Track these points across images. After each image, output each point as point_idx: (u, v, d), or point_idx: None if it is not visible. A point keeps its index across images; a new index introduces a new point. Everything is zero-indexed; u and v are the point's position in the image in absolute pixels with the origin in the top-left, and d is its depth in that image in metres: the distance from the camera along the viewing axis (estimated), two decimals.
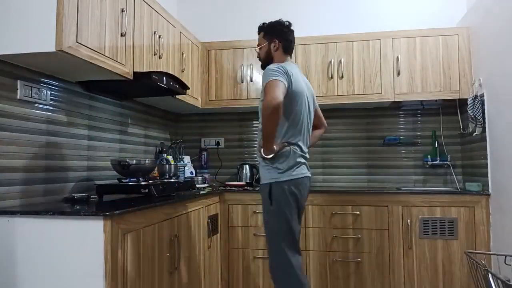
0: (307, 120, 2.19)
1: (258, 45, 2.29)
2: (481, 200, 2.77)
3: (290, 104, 2.05)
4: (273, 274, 2.10)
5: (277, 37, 2.21)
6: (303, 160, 2.13)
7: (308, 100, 2.20)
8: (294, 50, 2.32)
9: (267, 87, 1.96)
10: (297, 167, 2.09)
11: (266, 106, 1.89)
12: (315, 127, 2.39)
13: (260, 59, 2.30)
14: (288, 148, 2.07)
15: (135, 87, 2.52)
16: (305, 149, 2.17)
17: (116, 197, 2.24)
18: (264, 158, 2.05)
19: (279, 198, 2.04)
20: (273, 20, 2.26)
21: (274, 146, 2.02)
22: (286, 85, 1.99)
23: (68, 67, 2.01)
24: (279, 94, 1.91)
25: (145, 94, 2.81)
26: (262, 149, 2.04)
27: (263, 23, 2.28)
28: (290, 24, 2.26)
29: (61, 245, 1.64)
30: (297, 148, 2.11)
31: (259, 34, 2.29)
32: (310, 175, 2.19)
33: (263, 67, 2.21)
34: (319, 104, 3.30)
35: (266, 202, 2.08)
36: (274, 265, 2.08)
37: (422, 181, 3.41)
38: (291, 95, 2.04)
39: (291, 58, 2.30)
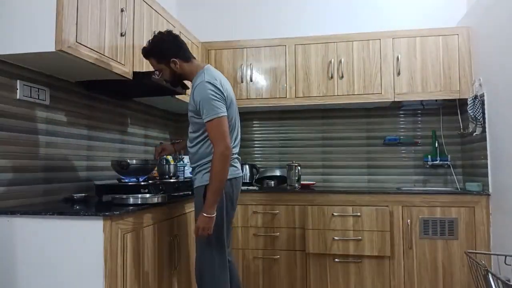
0: (238, 123, 2.17)
1: (156, 70, 2.11)
2: (481, 200, 2.77)
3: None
4: (201, 273, 2.05)
5: (172, 56, 2.02)
6: (237, 162, 2.13)
7: (236, 102, 2.16)
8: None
9: (214, 128, 1.90)
10: (232, 168, 2.06)
11: (221, 157, 1.88)
12: None
13: (167, 82, 2.17)
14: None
15: (135, 87, 2.52)
16: (237, 150, 2.15)
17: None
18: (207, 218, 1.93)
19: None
20: (151, 42, 2.05)
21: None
22: (226, 112, 1.95)
23: (67, 67, 2.01)
24: (229, 139, 1.92)
25: (145, 94, 2.81)
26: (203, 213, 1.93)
27: (144, 48, 2.07)
28: (169, 31, 2.09)
29: (61, 245, 1.63)
30: (234, 156, 2.08)
31: (148, 59, 2.09)
32: (241, 174, 2.18)
33: (175, 85, 2.20)
34: (319, 104, 3.33)
35: (200, 202, 2.02)
36: (203, 264, 2.04)
37: (422, 181, 3.41)
38: (228, 101, 2.02)
39: (195, 58, 2.15)
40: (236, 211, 2.25)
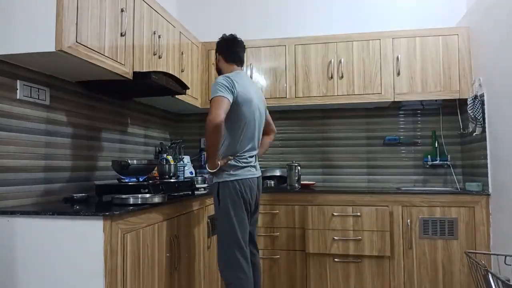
0: (258, 125, 2.33)
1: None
2: (481, 200, 2.77)
3: (237, 111, 2.18)
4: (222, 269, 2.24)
5: (219, 52, 2.44)
6: (251, 164, 2.27)
7: (258, 106, 2.32)
8: (244, 59, 2.47)
9: (211, 103, 2.11)
10: (243, 169, 2.22)
11: (208, 124, 2.04)
12: (264, 133, 2.51)
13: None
14: (232, 160, 2.21)
15: (135, 87, 2.52)
16: (253, 153, 2.30)
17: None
18: (209, 172, 2.22)
19: (226, 197, 2.18)
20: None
21: (218, 162, 2.17)
22: (231, 100, 2.13)
23: (67, 67, 2.01)
24: (221, 112, 2.06)
25: (145, 94, 2.81)
26: (206, 164, 2.22)
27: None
28: (232, 36, 2.45)
29: (61, 245, 1.64)
30: (244, 156, 2.24)
31: None
32: (257, 176, 2.32)
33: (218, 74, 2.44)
34: (319, 104, 3.33)
35: (215, 201, 2.23)
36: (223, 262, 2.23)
37: (422, 181, 3.41)
38: (238, 102, 2.18)
39: (240, 67, 2.42)
40: (256, 214, 2.42)
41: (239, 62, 2.42)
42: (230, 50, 2.42)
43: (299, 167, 3.23)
